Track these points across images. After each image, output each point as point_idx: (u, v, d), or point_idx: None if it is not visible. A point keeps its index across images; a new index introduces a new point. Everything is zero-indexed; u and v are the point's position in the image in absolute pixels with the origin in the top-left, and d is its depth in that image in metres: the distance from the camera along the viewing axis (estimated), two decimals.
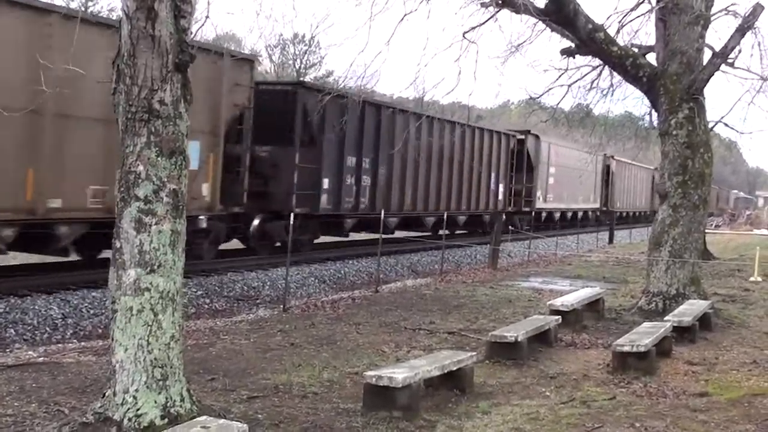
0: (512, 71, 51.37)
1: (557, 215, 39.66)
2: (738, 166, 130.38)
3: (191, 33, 6.81)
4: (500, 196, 31.49)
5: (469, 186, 28.67)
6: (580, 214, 43.22)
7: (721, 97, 60.33)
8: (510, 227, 29.35)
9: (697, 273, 14.12)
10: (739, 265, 23.17)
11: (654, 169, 55.70)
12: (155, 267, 6.30)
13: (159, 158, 6.33)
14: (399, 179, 23.91)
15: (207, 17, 8.72)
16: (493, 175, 30.56)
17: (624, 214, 50.82)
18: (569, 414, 7.61)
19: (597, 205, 45.13)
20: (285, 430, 6.80)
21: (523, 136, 33.58)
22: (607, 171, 45.73)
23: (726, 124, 15.67)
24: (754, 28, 14.36)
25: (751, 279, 20.32)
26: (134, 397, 6.20)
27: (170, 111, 6.39)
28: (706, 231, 29.63)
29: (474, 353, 8.93)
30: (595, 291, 14.30)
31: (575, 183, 39.36)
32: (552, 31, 15.07)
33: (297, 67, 56.76)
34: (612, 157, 45.84)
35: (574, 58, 15.65)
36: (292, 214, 16.18)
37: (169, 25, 6.31)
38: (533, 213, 34.86)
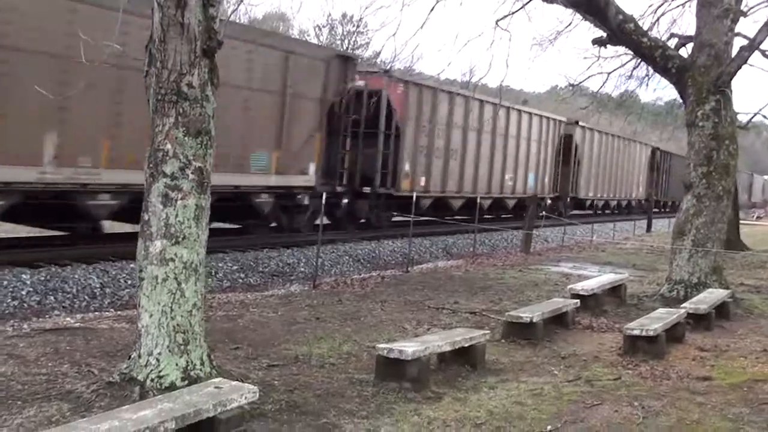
0: (556, 57, 51.20)
1: None
2: None
3: (221, 19, 7.21)
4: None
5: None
6: None
7: (761, 89, 59.35)
8: None
9: (719, 263, 14.31)
10: None
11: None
12: (180, 239, 6.75)
13: (186, 138, 6.76)
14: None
15: (241, 1, 9.16)
16: None
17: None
18: (572, 391, 7.94)
19: None
20: (298, 395, 7.19)
21: None
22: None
23: (764, 116, 15.80)
24: None
25: None
26: (157, 360, 6.66)
27: (197, 94, 6.80)
28: (745, 222, 29.58)
29: (486, 331, 9.25)
30: (617, 277, 14.56)
31: None
32: (585, 20, 15.31)
33: (345, 47, 57.02)
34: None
35: (605, 47, 15.86)
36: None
37: (198, 13, 6.71)
38: None
